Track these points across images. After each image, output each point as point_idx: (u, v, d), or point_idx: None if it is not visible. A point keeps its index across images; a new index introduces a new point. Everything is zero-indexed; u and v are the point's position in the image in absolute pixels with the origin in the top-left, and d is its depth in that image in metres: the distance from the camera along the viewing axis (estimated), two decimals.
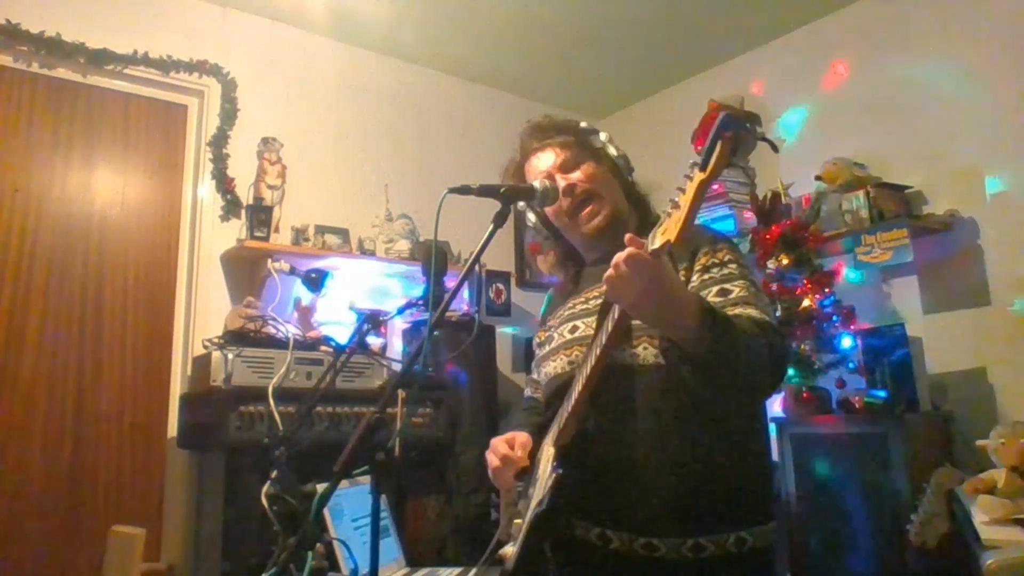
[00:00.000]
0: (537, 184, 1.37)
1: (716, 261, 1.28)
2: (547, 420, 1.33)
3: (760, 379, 1.15)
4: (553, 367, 1.40)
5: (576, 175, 1.41)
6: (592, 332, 1.25)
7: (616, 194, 1.43)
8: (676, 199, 0.90)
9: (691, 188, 0.88)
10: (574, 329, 1.39)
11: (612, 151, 1.45)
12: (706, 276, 1.27)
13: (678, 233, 0.89)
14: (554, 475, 1.15)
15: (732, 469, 1.22)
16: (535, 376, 1.54)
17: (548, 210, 1.46)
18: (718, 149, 0.84)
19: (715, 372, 1.08)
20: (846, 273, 3.16)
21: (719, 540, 1.18)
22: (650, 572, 1.19)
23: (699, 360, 1.07)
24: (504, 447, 1.35)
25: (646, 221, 1.43)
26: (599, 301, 1.33)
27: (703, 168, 0.86)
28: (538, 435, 1.35)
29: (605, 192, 1.41)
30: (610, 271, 1.01)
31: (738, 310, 1.19)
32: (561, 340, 1.41)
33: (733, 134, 0.84)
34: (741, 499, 1.23)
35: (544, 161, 1.43)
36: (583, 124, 1.50)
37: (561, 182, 1.40)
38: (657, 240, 0.94)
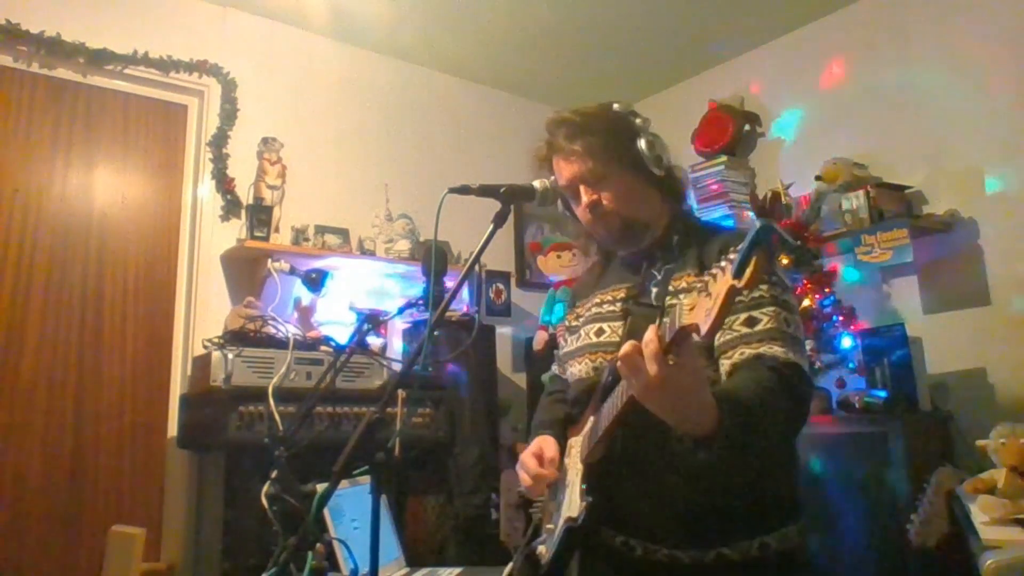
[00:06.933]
0: (537, 184, 1.38)
1: None
2: (575, 416, 1.38)
3: (780, 443, 1.14)
4: (578, 369, 1.41)
5: (602, 192, 1.35)
6: (617, 339, 1.28)
7: (642, 202, 1.38)
8: (708, 286, 0.84)
9: (724, 289, 0.80)
10: (600, 332, 1.39)
11: (643, 146, 1.35)
12: (736, 300, 1.23)
13: (708, 331, 0.83)
14: (584, 502, 1.18)
15: (757, 482, 1.21)
16: (563, 356, 1.54)
17: (572, 206, 1.44)
18: (754, 262, 0.77)
19: (728, 457, 1.04)
20: (846, 273, 3.16)
21: (742, 548, 1.19)
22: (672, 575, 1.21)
23: (715, 452, 1.02)
24: (534, 465, 1.35)
25: (678, 215, 1.42)
26: (625, 305, 1.36)
27: (737, 275, 0.79)
28: (564, 429, 1.41)
29: (626, 206, 1.36)
30: (621, 364, 0.97)
31: (763, 348, 1.17)
32: (587, 341, 1.41)
33: (768, 248, 0.78)
34: (764, 507, 1.22)
35: (567, 169, 1.37)
36: (616, 107, 1.40)
37: (584, 196, 1.36)
38: (684, 316, 0.88)
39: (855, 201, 2.96)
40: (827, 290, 2.89)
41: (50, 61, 2.90)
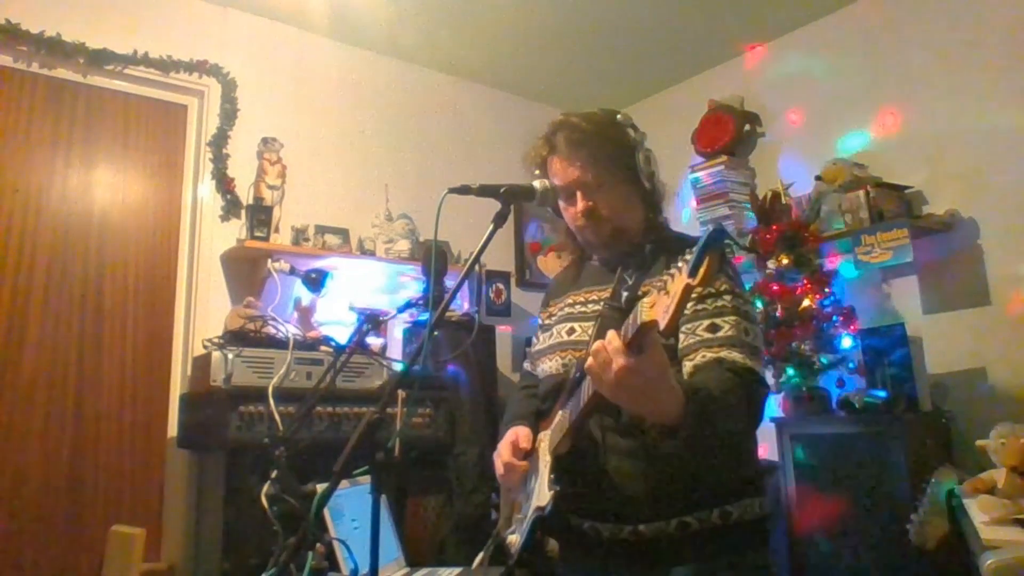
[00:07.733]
0: (537, 184, 1.40)
1: (712, 291, 1.29)
2: (545, 410, 1.43)
3: (737, 437, 1.21)
4: (549, 366, 1.47)
5: (598, 200, 1.39)
6: (586, 338, 1.34)
7: (630, 211, 1.43)
8: (666, 285, 0.90)
9: (679, 288, 0.87)
10: (571, 331, 1.44)
11: (640, 160, 1.40)
12: (699, 307, 1.28)
13: (666, 326, 0.90)
14: (552, 491, 1.25)
15: (716, 463, 1.26)
16: (535, 354, 1.58)
17: (560, 206, 1.46)
18: (707, 262, 0.84)
19: (693, 445, 1.11)
20: (846, 273, 3.16)
21: (702, 516, 1.25)
22: (640, 549, 1.27)
23: (678, 439, 1.08)
24: (508, 455, 1.40)
25: (653, 224, 1.45)
26: (597, 307, 1.41)
27: (692, 275, 0.85)
28: (536, 421, 1.46)
29: (618, 215, 1.40)
30: (591, 361, 1.03)
31: (723, 353, 1.22)
32: (558, 340, 1.46)
33: (720, 250, 0.86)
34: (725, 481, 1.28)
35: (568, 173, 1.40)
36: (619, 118, 1.44)
37: (580, 201, 1.40)
38: (644, 314, 0.94)
39: (855, 201, 2.96)
40: (827, 290, 2.89)
41: (50, 61, 2.90)
